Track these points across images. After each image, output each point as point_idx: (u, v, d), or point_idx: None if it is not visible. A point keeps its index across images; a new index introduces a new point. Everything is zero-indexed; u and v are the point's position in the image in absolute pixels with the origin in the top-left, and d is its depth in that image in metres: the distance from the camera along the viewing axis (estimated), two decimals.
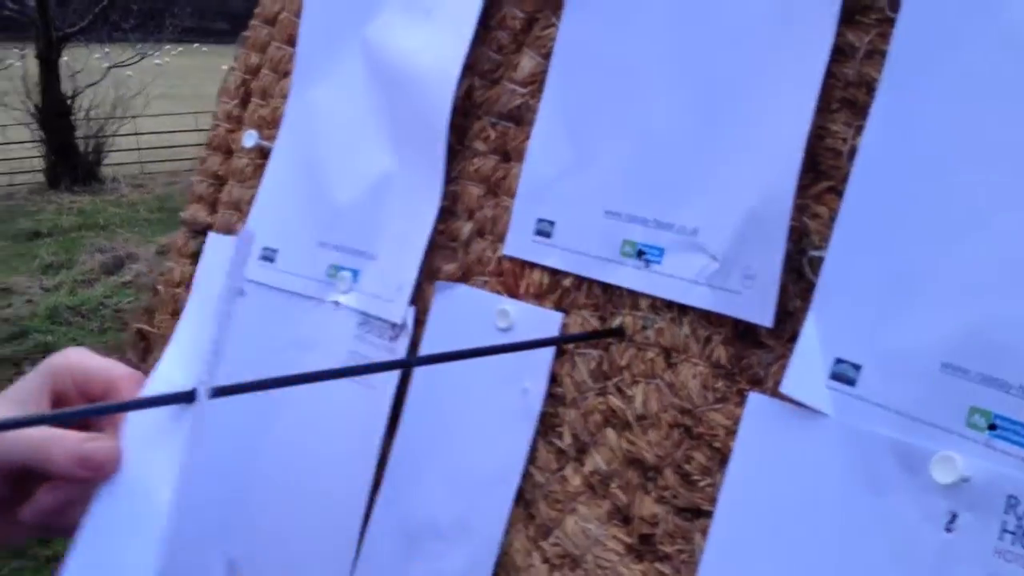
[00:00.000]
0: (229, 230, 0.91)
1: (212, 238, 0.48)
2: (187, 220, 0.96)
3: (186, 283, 0.94)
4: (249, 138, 0.89)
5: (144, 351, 0.95)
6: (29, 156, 11.94)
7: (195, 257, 0.93)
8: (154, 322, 0.95)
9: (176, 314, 0.94)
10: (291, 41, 0.90)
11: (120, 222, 8.75)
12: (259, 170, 0.89)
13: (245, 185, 0.91)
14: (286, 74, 0.90)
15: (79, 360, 0.52)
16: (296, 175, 0.84)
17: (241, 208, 0.90)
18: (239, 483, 0.80)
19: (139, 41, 15.19)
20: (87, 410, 0.48)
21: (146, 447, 0.47)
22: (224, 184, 0.94)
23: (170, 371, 0.48)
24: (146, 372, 0.96)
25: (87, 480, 0.47)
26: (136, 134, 12.76)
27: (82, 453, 0.47)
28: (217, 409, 0.85)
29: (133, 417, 0.48)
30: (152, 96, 13.22)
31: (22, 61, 12.36)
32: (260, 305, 0.84)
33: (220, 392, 0.45)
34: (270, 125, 0.90)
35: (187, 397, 0.44)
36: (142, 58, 14.72)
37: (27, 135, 11.90)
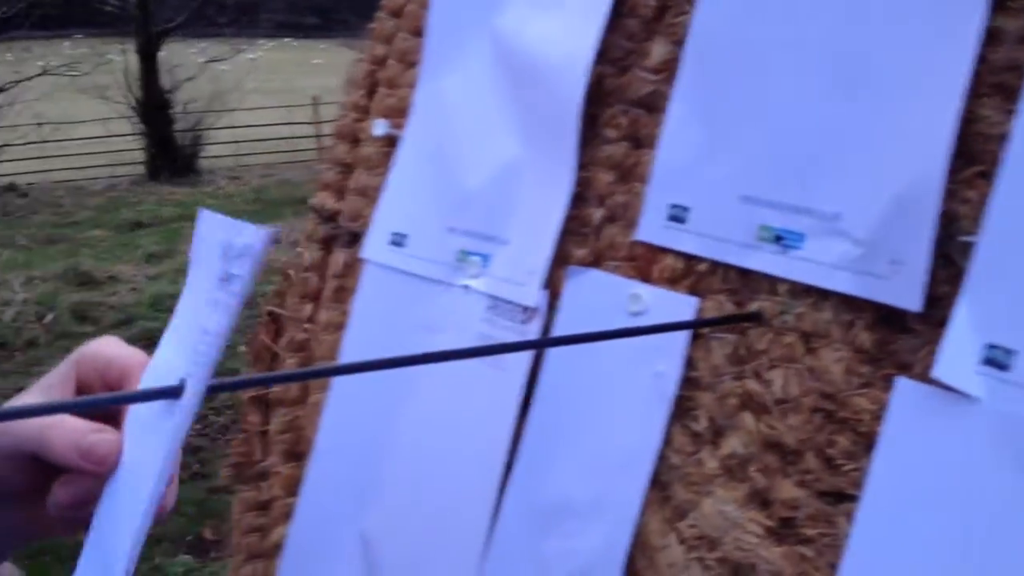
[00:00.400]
0: (357, 217, 0.93)
1: (204, 215, 0.43)
2: (315, 207, 0.98)
3: (315, 267, 0.96)
4: (379, 127, 0.91)
5: (276, 333, 0.98)
6: (130, 149, 12.31)
7: (324, 242, 0.96)
8: (285, 305, 0.98)
9: (305, 297, 0.97)
10: (418, 32, 0.92)
11: (218, 213, 8.96)
12: (387, 158, 0.91)
13: (373, 173, 0.93)
14: (413, 64, 0.92)
15: (103, 348, 0.51)
16: (425, 162, 0.86)
17: (368, 195, 0.93)
18: (373, 460, 0.82)
19: (234, 36, 15.53)
20: (62, 405, 0.46)
21: (140, 439, 0.45)
22: (351, 171, 0.96)
23: (167, 359, 0.46)
24: (278, 354, 0.99)
25: (92, 473, 0.45)
26: (231, 127, 13.05)
27: (84, 445, 0.45)
28: (351, 389, 0.87)
29: (133, 409, 0.46)
30: (246, 90, 13.50)
31: (123, 56, 12.74)
32: (389, 289, 0.86)
33: (215, 388, 0.42)
34: (397, 114, 0.92)
35: (174, 392, 0.42)
36: (237, 53, 15.04)
37: (128, 128, 12.27)
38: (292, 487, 0.91)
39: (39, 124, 12.21)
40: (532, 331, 0.75)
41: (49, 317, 5.76)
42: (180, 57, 13.11)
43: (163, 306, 5.80)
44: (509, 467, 0.74)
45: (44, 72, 13.41)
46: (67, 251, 7.61)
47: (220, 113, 12.82)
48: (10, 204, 10.40)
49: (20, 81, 12.73)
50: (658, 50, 0.72)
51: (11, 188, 11.45)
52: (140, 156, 12.25)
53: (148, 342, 5.50)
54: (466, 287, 0.80)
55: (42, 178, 11.84)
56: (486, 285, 0.79)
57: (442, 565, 0.76)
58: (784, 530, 0.60)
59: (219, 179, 11.72)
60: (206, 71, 13.28)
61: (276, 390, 0.97)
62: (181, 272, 6.71)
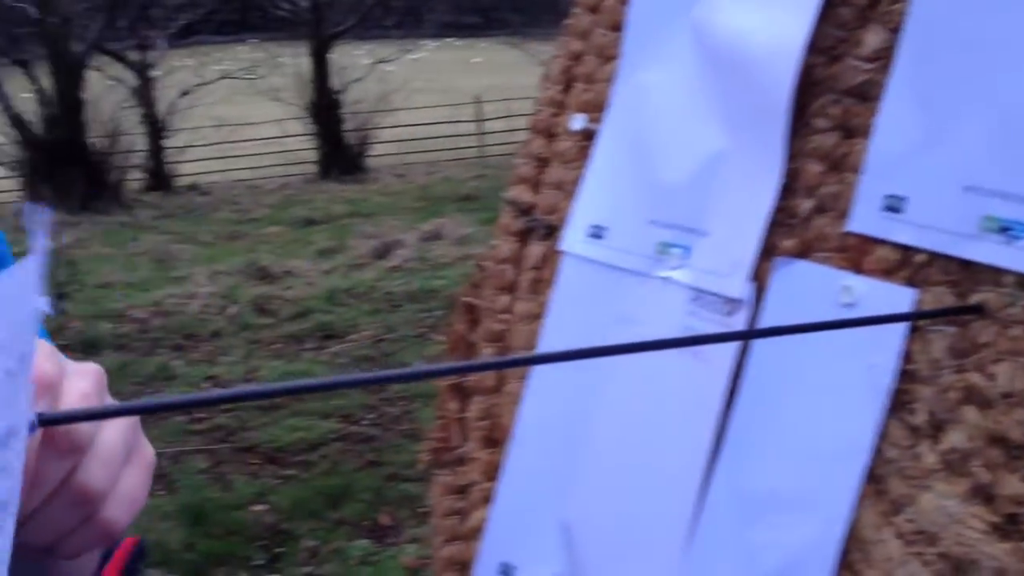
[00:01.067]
0: (553, 210, 0.95)
1: (28, 207, 0.36)
2: (511, 200, 1.01)
3: (511, 260, 0.99)
4: (577, 121, 0.92)
5: (471, 323, 1.01)
6: (302, 148, 12.80)
7: (520, 235, 0.99)
8: (481, 296, 1.01)
9: (501, 288, 0.99)
10: (616, 27, 0.93)
11: (385, 210, 9.25)
12: (584, 152, 0.93)
13: (569, 167, 0.95)
14: (610, 59, 0.93)
15: None
16: (625, 155, 0.87)
17: (565, 188, 0.95)
18: (572, 449, 0.84)
19: (399, 38, 15.92)
20: None
21: None
22: (547, 166, 0.98)
23: None
24: (474, 343, 1.02)
25: None
26: (396, 126, 13.39)
27: None
28: (550, 378, 0.89)
29: None
30: (411, 90, 13.84)
31: (296, 59, 13.25)
32: (588, 280, 0.88)
33: (44, 422, 0.39)
34: (594, 109, 0.93)
35: None
36: (403, 54, 15.41)
37: (301, 129, 12.77)
38: (490, 472, 0.94)
39: (218, 126, 12.84)
40: (736, 323, 0.75)
41: (232, 309, 6.06)
42: (349, 59, 13.53)
43: (336, 300, 6.03)
44: (713, 457, 0.74)
45: (223, 76, 14.08)
46: (246, 247, 7.99)
47: (386, 113, 13.18)
48: (193, 202, 10.98)
49: (201, 85, 13.41)
50: (872, 38, 0.71)
51: (193, 187, 12.08)
52: (312, 155, 12.72)
53: (323, 334, 5.72)
54: (667, 279, 0.81)
55: (222, 177, 12.43)
56: (688, 277, 0.79)
57: (645, 553, 0.77)
58: (1010, 526, 0.58)
59: (385, 177, 12.06)
60: (373, 72, 13.66)
61: (473, 378, 1.00)
62: (353, 267, 6.97)
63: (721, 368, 0.75)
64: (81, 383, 0.47)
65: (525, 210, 0.99)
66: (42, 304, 0.36)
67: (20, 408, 0.37)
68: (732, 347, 0.75)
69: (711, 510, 0.74)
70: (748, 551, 0.71)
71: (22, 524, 0.44)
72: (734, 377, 0.74)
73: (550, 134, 0.99)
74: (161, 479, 3.84)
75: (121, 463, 0.48)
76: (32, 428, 0.38)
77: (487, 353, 0.99)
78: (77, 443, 0.46)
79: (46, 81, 11.34)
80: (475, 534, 0.94)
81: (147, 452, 0.50)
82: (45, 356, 0.46)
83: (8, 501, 0.37)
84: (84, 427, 0.46)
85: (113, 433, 0.48)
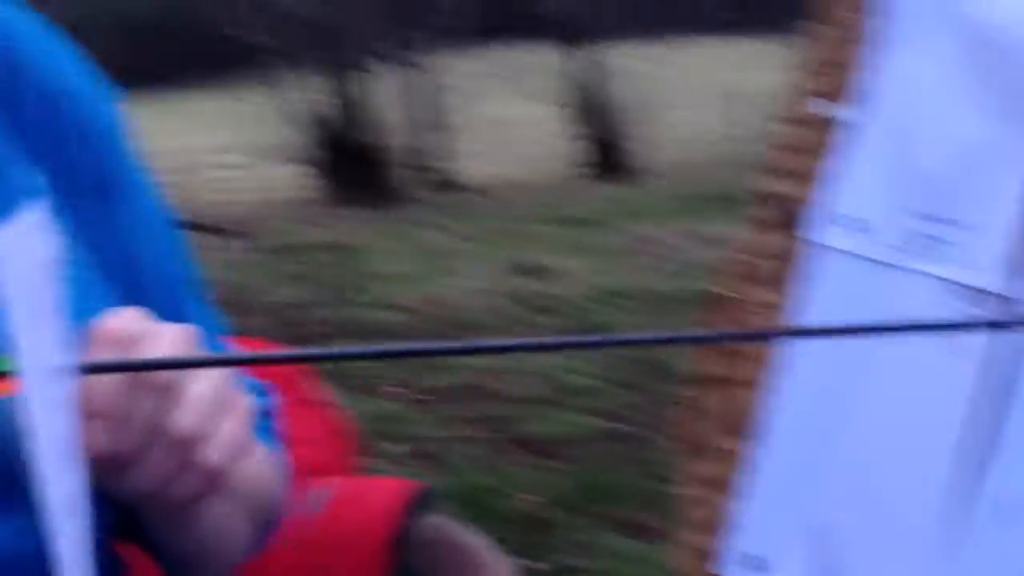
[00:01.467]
0: (802, 200, 0.93)
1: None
2: (760, 191, 1.00)
3: (761, 251, 0.98)
4: (826, 109, 0.91)
5: (721, 315, 1.01)
6: (571, 149, 13.02)
7: (769, 226, 0.98)
8: (730, 287, 1.01)
9: (750, 280, 0.99)
10: (866, 12, 0.90)
11: (653, 211, 9.25)
12: (834, 141, 0.91)
13: (820, 156, 0.93)
14: (860, 45, 0.90)
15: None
16: (883, 145, 0.85)
17: (815, 178, 0.93)
18: (827, 444, 0.83)
19: (664, 37, 15.85)
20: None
21: None
22: (797, 155, 0.97)
23: None
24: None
25: None
26: (665, 126, 13.34)
27: None
28: (803, 370, 0.88)
29: None
30: (677, 90, 13.74)
31: (562, 60, 13.49)
32: (840, 272, 0.86)
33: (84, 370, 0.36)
34: (845, 97, 0.91)
35: None
36: (668, 53, 15.34)
37: (570, 129, 12.99)
38: (738, 463, 0.94)
39: (490, 126, 13.29)
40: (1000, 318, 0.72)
41: (502, 304, 6.28)
42: (618, 59, 13.63)
43: (604, 299, 6.11)
44: (981, 461, 0.71)
45: (493, 77, 14.56)
46: (516, 244, 8.24)
47: (650, 112, 13.17)
48: (466, 200, 11.43)
49: (473, 86, 13.94)
50: None
51: (466, 186, 12.58)
52: (581, 155, 12.92)
53: (590, 333, 5.80)
54: (927, 272, 0.78)
55: (493, 177, 12.87)
56: (950, 271, 0.76)
57: (902, 553, 0.75)
58: None
59: (654, 177, 12.06)
60: (638, 72, 13.68)
61: (719, 370, 1.00)
62: (621, 267, 7.03)
63: (980, 365, 0.72)
64: (169, 335, 0.51)
65: (774, 201, 0.98)
66: (52, 250, 0.34)
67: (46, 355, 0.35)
68: (991, 343, 0.71)
69: (982, 516, 0.71)
70: (1020, 562, 0.67)
71: (126, 469, 0.50)
72: (1011, 380, 0.71)
73: (800, 123, 0.98)
74: (431, 459, 4.04)
75: (214, 411, 0.51)
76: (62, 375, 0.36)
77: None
78: (162, 384, 0.50)
79: (329, 83, 12.16)
80: (722, 525, 0.94)
81: (243, 404, 0.53)
82: (127, 315, 0.51)
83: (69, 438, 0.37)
84: (169, 373, 0.50)
85: (204, 383, 0.51)
